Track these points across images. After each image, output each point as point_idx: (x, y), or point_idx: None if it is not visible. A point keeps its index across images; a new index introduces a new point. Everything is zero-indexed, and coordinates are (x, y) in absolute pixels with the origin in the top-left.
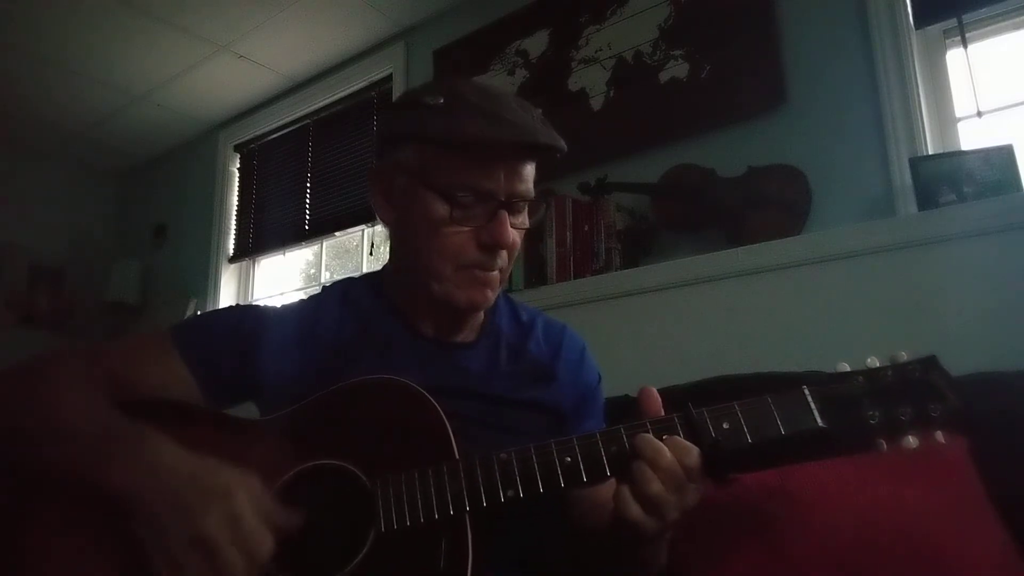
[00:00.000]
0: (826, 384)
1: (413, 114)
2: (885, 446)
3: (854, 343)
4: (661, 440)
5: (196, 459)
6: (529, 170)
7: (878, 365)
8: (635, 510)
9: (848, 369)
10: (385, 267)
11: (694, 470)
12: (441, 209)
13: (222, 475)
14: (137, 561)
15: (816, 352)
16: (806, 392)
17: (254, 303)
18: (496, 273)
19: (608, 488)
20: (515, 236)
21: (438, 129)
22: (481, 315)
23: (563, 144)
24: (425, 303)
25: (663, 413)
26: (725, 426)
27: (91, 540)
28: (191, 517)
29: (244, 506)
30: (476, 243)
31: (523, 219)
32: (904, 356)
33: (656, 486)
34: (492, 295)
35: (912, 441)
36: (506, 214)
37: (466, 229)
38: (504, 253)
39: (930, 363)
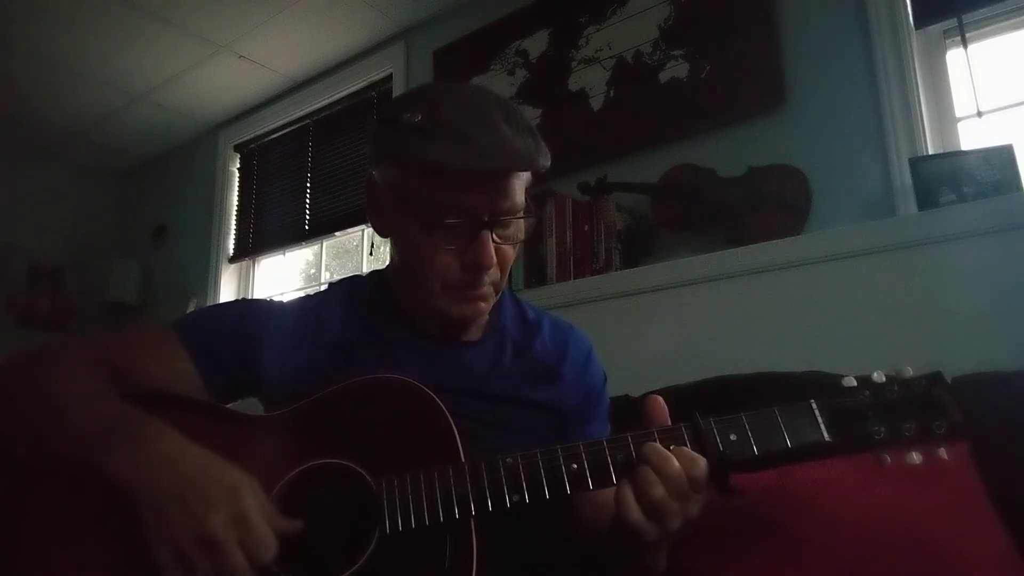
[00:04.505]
0: (833, 398)
1: (391, 133)
2: (889, 460)
3: (854, 343)
4: (668, 450)
5: (202, 454)
6: (514, 184)
7: (884, 380)
8: (636, 514)
9: (854, 383)
10: (389, 266)
11: (700, 481)
12: (422, 231)
13: (229, 473)
14: (139, 547)
15: (816, 352)
16: (814, 406)
17: (258, 298)
18: (487, 288)
19: (611, 491)
20: (506, 251)
21: (412, 152)
22: (486, 315)
23: (543, 161)
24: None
25: (670, 423)
26: (732, 437)
27: (93, 527)
28: (198, 515)
29: (251, 507)
30: (460, 264)
31: (514, 231)
32: (910, 371)
33: (660, 491)
34: (486, 307)
35: (916, 457)
36: (488, 234)
37: (450, 249)
38: (493, 270)
39: (935, 379)
